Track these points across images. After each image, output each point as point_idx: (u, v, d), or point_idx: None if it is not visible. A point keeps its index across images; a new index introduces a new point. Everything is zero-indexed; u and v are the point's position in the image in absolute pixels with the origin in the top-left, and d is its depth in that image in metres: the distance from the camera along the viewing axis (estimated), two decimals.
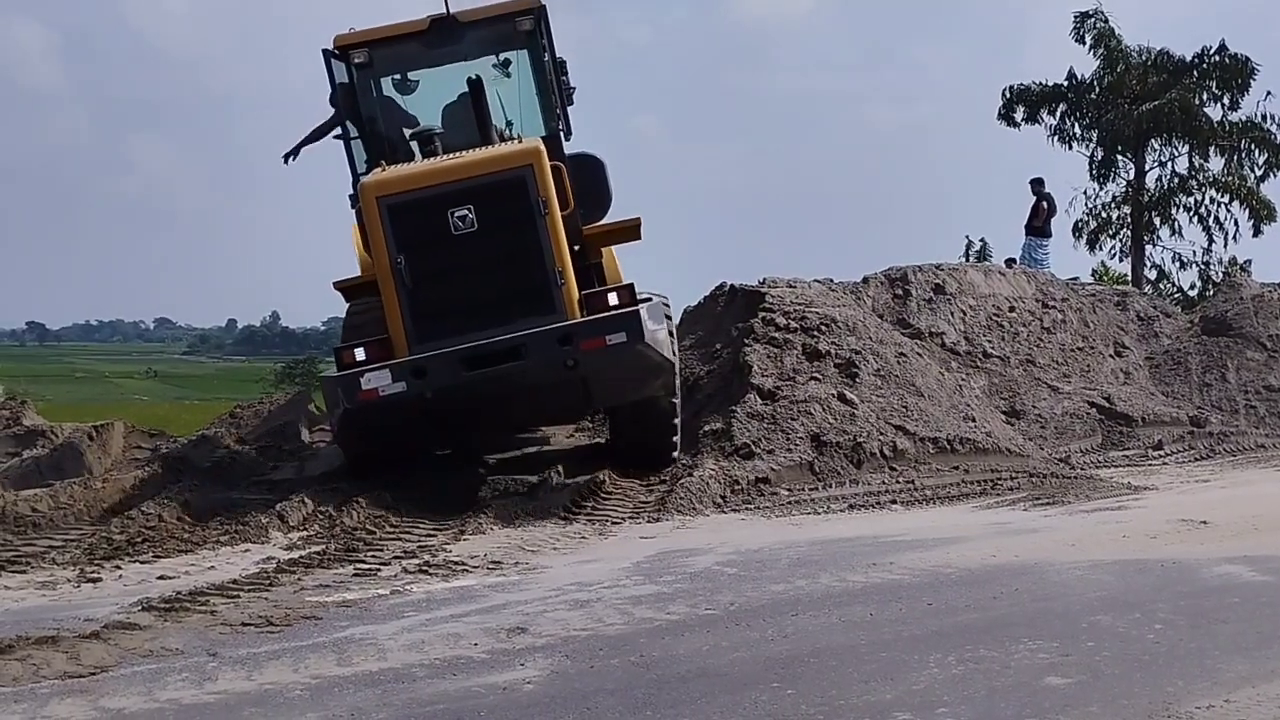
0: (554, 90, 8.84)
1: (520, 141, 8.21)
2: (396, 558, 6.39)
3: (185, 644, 4.75)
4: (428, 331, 7.66)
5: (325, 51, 8.62)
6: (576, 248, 8.43)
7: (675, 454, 8.72)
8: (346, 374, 7.53)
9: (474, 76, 8.25)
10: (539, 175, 7.71)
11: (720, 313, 11.96)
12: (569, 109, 9.10)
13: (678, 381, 8.49)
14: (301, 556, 6.46)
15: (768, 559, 6.24)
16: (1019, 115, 27.12)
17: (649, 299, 8.11)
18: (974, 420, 9.84)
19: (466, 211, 7.59)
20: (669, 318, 8.68)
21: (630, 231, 9.07)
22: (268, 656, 4.53)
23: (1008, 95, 27.10)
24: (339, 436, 8.40)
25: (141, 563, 6.37)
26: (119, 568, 6.28)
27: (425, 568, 6.10)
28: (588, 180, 8.77)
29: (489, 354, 7.46)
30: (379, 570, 6.09)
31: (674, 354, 8.20)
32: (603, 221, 8.92)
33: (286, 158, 9.45)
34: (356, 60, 8.61)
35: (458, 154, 8.16)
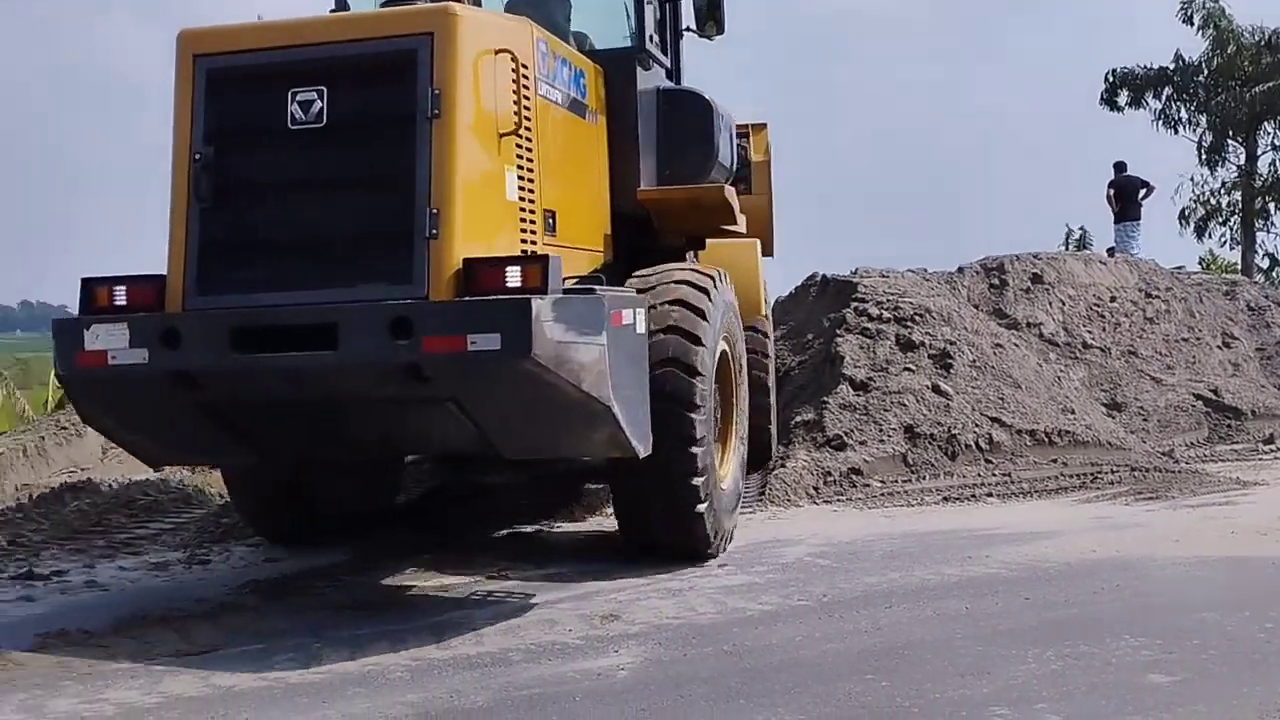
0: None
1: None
2: (493, 542, 6.49)
3: (291, 625, 4.91)
4: (218, 277, 4.75)
5: None
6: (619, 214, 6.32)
7: (712, 547, 5.81)
8: (67, 321, 4.84)
9: None
10: (441, 53, 4.65)
11: (812, 303, 11.91)
12: (679, 43, 7.33)
13: (696, 440, 5.43)
14: (398, 542, 6.60)
15: (860, 550, 6.20)
16: (1122, 99, 26.45)
17: (594, 287, 4.83)
18: (1073, 412, 9.63)
19: (314, 96, 4.68)
20: (692, 316, 5.58)
21: (711, 209, 6.70)
22: (369, 638, 4.65)
23: (1110, 79, 26.43)
24: (83, 417, 5.65)
25: (248, 546, 6.57)
26: (227, 551, 6.49)
27: (521, 553, 6.19)
28: (683, 126, 6.80)
29: (279, 330, 4.55)
30: (474, 557, 6.21)
31: (625, 392, 4.80)
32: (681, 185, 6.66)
33: None
34: None
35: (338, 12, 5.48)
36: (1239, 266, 24.66)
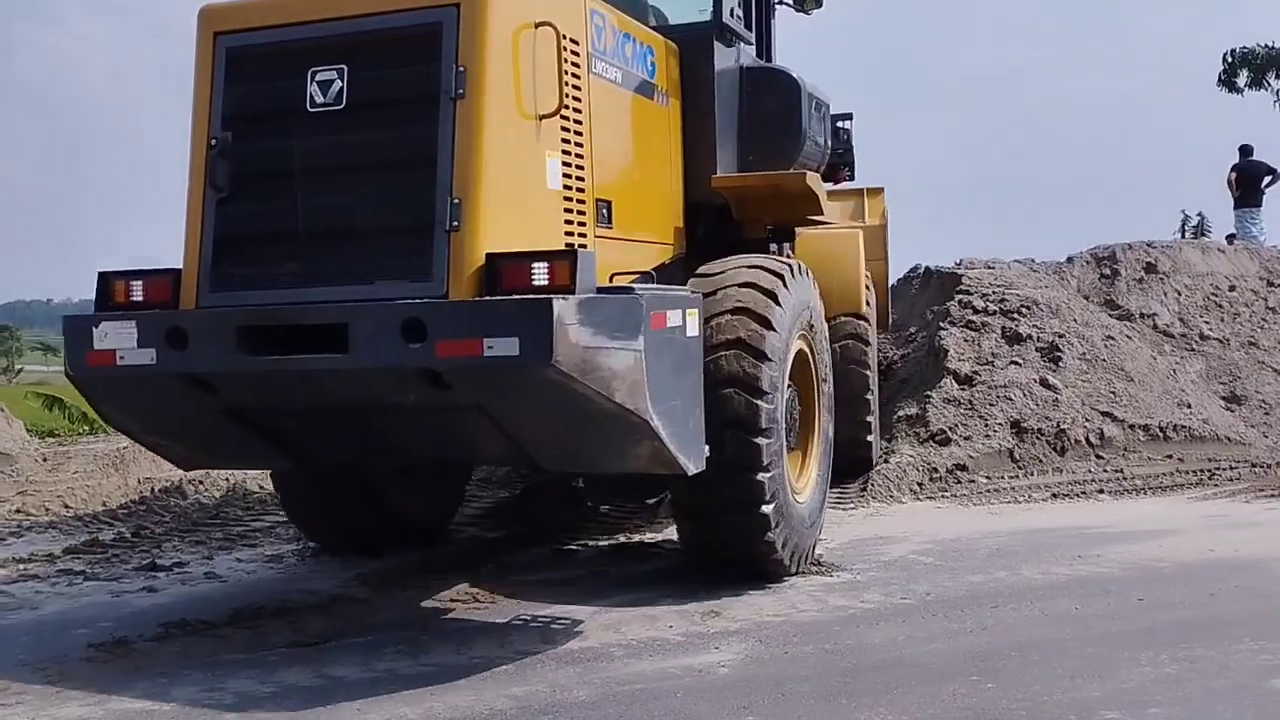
0: None
1: None
2: (593, 539, 6.55)
3: (399, 617, 5.02)
4: (233, 272, 4.47)
5: None
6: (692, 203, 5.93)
7: (790, 569, 5.37)
8: (77, 319, 4.59)
9: None
10: (467, 27, 4.25)
11: (915, 295, 11.74)
12: (772, 20, 6.92)
13: (763, 467, 4.96)
14: (502, 536, 6.70)
15: (965, 548, 6.10)
16: (1242, 80, 25.47)
17: (632, 285, 4.38)
18: (1189, 406, 9.33)
19: (334, 76, 4.35)
20: (758, 321, 5.06)
21: (794, 197, 6.21)
22: (474, 631, 4.73)
23: (1229, 59, 25.47)
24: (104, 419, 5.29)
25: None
26: None
27: (620, 550, 6.24)
28: (767, 108, 6.37)
29: (289, 330, 4.22)
30: (576, 551, 6.27)
31: (669, 403, 4.32)
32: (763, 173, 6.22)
33: None
34: None
35: None
36: None
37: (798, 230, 6.97)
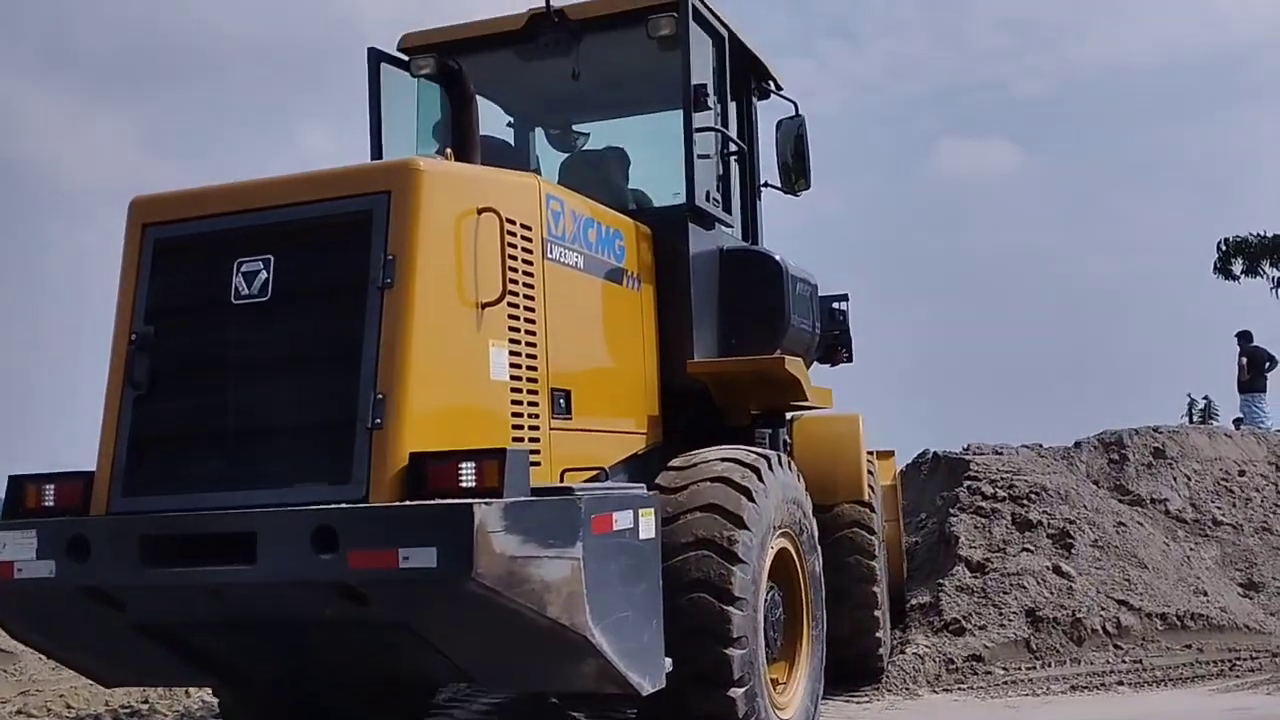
0: (719, 149, 6.17)
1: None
2: None
3: None
4: (147, 475, 4.17)
5: (374, 53, 6.30)
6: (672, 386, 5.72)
7: None
8: None
9: (453, 63, 5.34)
10: (398, 214, 4.06)
11: (924, 481, 11.77)
12: (758, 202, 6.81)
13: (734, 681, 4.52)
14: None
15: None
16: (1237, 268, 26.10)
17: (570, 486, 4.08)
18: (1206, 594, 9.21)
19: (259, 266, 4.13)
20: (726, 518, 4.69)
21: (775, 382, 6.00)
22: None
23: (1224, 248, 26.17)
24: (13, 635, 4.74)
25: None
26: None
27: None
28: (748, 291, 6.24)
29: (195, 540, 3.87)
30: None
31: (615, 615, 3.96)
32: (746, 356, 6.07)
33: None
34: (422, 70, 6.10)
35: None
36: None
37: (797, 416, 6.86)
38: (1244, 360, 17.28)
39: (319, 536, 3.62)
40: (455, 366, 4.16)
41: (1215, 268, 26.06)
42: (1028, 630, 8.37)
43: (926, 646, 8.17)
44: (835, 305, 7.93)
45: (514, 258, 4.44)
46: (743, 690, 4.51)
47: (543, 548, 3.67)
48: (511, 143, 6.81)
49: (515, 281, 4.43)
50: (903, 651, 8.07)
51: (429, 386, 3.99)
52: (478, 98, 5.11)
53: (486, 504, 3.55)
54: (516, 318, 4.46)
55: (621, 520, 4.07)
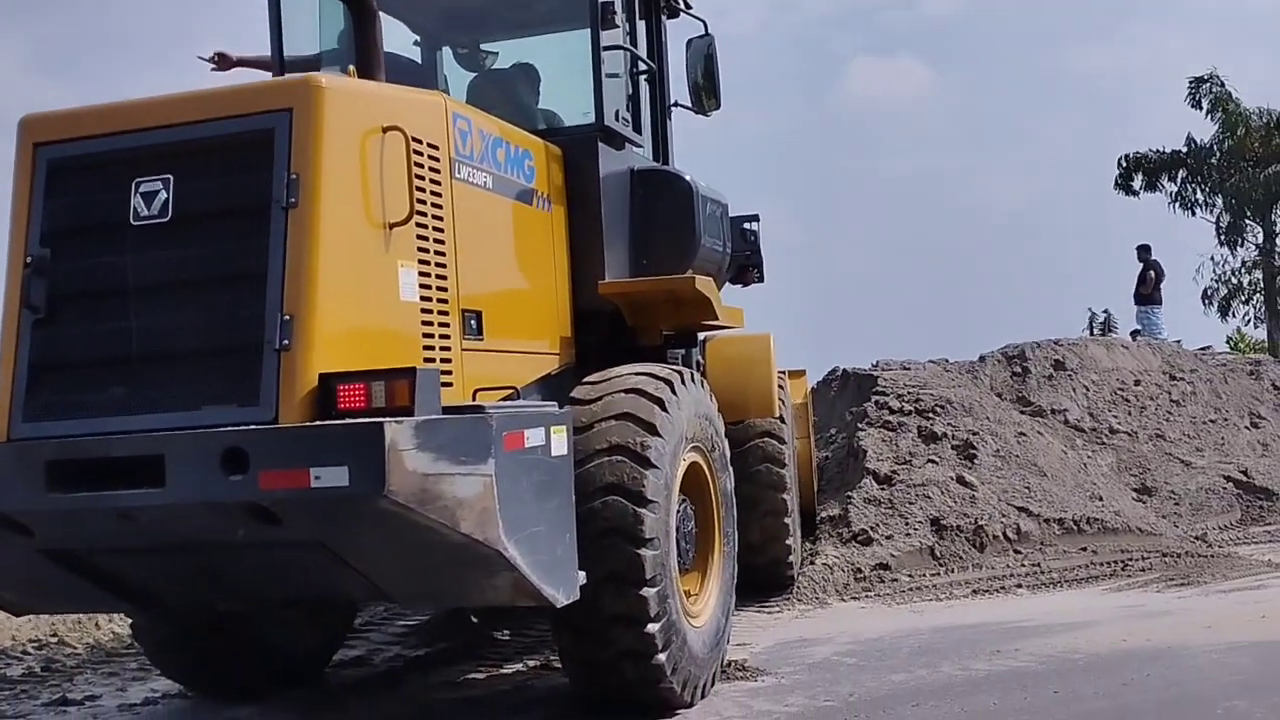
0: (628, 68, 6.26)
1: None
2: (519, 654, 6.50)
3: None
4: (47, 400, 4.11)
5: None
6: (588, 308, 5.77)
7: (682, 700, 4.90)
8: None
9: None
10: (300, 132, 4.00)
11: (834, 398, 11.98)
12: (668, 122, 6.77)
13: (646, 581, 4.57)
14: (427, 653, 6.62)
15: (888, 648, 6.17)
16: (1137, 184, 26.73)
17: (481, 405, 4.12)
18: (1101, 499, 9.59)
19: (159, 186, 4.06)
20: (639, 427, 4.74)
21: (686, 302, 6.03)
22: None
23: (1124, 164, 26.75)
24: None
25: None
26: None
27: (548, 663, 6.20)
28: (659, 211, 6.24)
29: (99, 464, 3.85)
30: (502, 666, 6.21)
31: (528, 529, 4.01)
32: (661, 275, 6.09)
33: (215, 59, 6.41)
34: None
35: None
36: (1266, 344, 24.56)
37: (710, 336, 6.95)
38: (1151, 274, 17.74)
39: (228, 458, 3.60)
40: (363, 287, 4.13)
41: (1116, 184, 26.70)
42: (932, 538, 8.64)
43: (835, 557, 8.39)
44: (746, 226, 7.98)
45: (421, 177, 4.39)
46: (655, 590, 4.58)
47: (454, 465, 3.69)
48: (419, 61, 6.63)
49: (423, 202, 4.39)
50: (812, 563, 8.27)
51: (337, 307, 3.96)
52: (382, 15, 4.90)
53: (398, 422, 3.57)
54: (425, 238, 4.42)
55: (533, 437, 4.11)
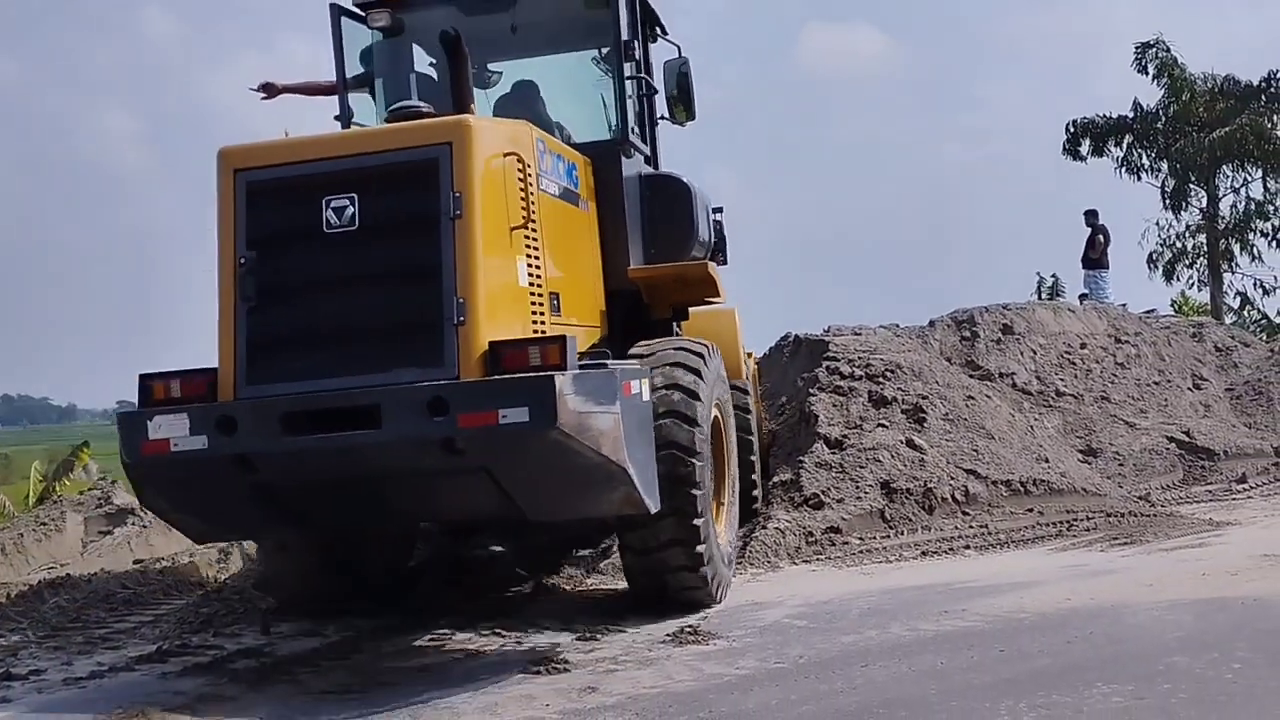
0: (638, 90, 7.49)
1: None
2: (471, 622, 6.50)
3: (270, 713, 4.90)
4: (266, 368, 5.28)
5: (335, 8, 6.93)
6: (613, 291, 6.99)
7: (712, 593, 6.33)
8: (131, 414, 5.32)
9: (450, 30, 6.25)
10: (459, 160, 5.24)
11: (786, 363, 12.03)
12: (654, 128, 7.87)
13: (697, 484, 5.98)
14: (381, 624, 6.60)
15: (838, 610, 6.24)
16: (1085, 149, 26.95)
17: (605, 362, 5.44)
18: (1048, 461, 9.73)
19: (346, 203, 5.22)
20: (688, 394, 6.09)
21: (696, 282, 7.41)
22: None
23: (1071, 129, 26.94)
24: (141, 499, 6.08)
25: (228, 635, 6.55)
26: (207, 641, 6.46)
27: (498, 630, 6.20)
28: (665, 208, 7.49)
29: (326, 413, 5.05)
30: (453, 634, 6.21)
31: (638, 455, 5.37)
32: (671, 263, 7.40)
33: (263, 89, 7.38)
34: (377, 23, 6.86)
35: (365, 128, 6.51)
36: (1210, 308, 24.97)
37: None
38: (1099, 238, 17.93)
39: (433, 405, 4.92)
40: (502, 276, 5.43)
41: (1064, 149, 26.89)
42: (882, 501, 8.72)
43: (787, 521, 8.44)
44: (713, 216, 8.79)
45: (526, 190, 5.57)
46: (703, 520, 6.07)
47: (596, 405, 5.07)
48: (436, 79, 7.38)
49: (526, 209, 5.56)
50: (764, 527, 8.33)
51: (491, 291, 5.25)
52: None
53: (561, 375, 4.93)
54: (528, 237, 5.62)
55: (635, 387, 5.54)
